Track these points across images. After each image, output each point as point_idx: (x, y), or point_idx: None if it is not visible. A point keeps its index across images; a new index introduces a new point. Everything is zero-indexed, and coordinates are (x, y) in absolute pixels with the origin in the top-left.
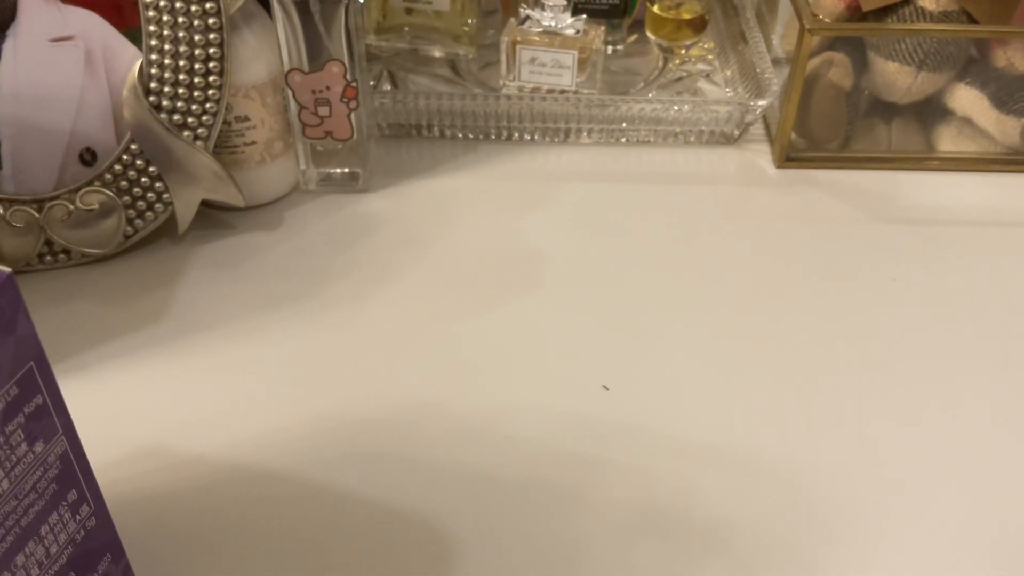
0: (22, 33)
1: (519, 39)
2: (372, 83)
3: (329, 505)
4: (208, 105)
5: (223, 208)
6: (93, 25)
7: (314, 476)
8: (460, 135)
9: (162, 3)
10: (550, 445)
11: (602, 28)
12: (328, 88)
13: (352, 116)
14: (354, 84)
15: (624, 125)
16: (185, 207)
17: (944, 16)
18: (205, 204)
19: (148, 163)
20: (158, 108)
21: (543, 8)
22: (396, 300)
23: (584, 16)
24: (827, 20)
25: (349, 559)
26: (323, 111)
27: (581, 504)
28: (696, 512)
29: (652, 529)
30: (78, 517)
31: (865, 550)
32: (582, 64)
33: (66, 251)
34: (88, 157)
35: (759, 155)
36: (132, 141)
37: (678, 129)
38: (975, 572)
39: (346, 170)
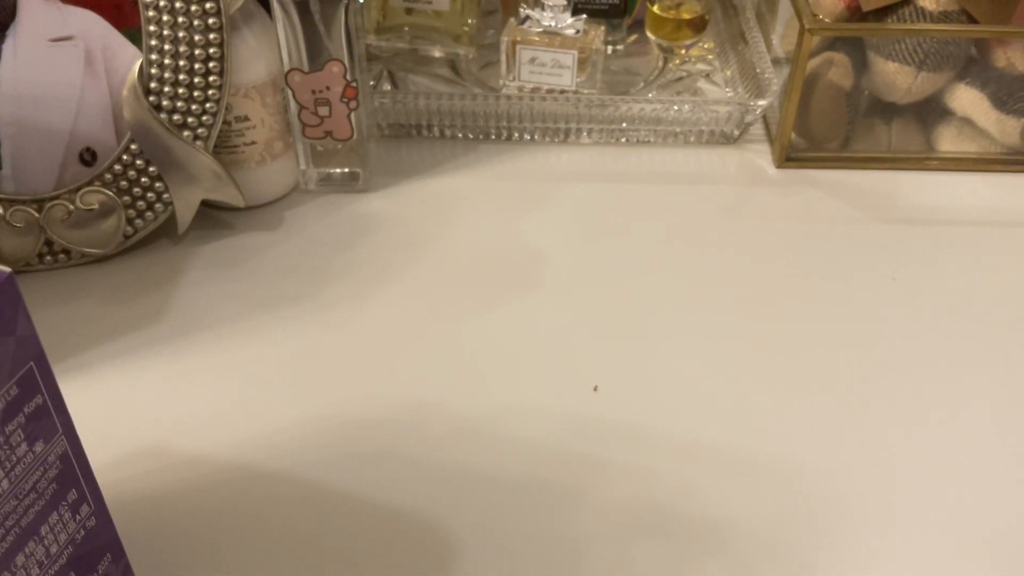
0: (22, 33)
1: (519, 39)
2: (372, 83)
3: (329, 505)
4: (208, 105)
5: (223, 208)
6: (93, 25)
7: (314, 476)
8: (460, 135)
9: (162, 3)
10: (550, 445)
11: (602, 28)
12: (328, 88)
13: (352, 116)
14: (354, 84)
15: (624, 125)
16: (185, 207)
17: (944, 16)
18: (205, 204)
19: (148, 163)
20: (158, 108)
21: (543, 8)
22: (396, 300)
23: (584, 16)
24: (827, 20)
25: (349, 559)
26: (323, 111)
27: (581, 504)
28: (696, 512)
29: (652, 529)
30: (78, 517)
31: (865, 550)
32: (582, 64)
33: (66, 251)
34: (88, 157)
35: (759, 155)
36: (132, 141)
37: (678, 129)
38: (975, 572)
39: (346, 170)
